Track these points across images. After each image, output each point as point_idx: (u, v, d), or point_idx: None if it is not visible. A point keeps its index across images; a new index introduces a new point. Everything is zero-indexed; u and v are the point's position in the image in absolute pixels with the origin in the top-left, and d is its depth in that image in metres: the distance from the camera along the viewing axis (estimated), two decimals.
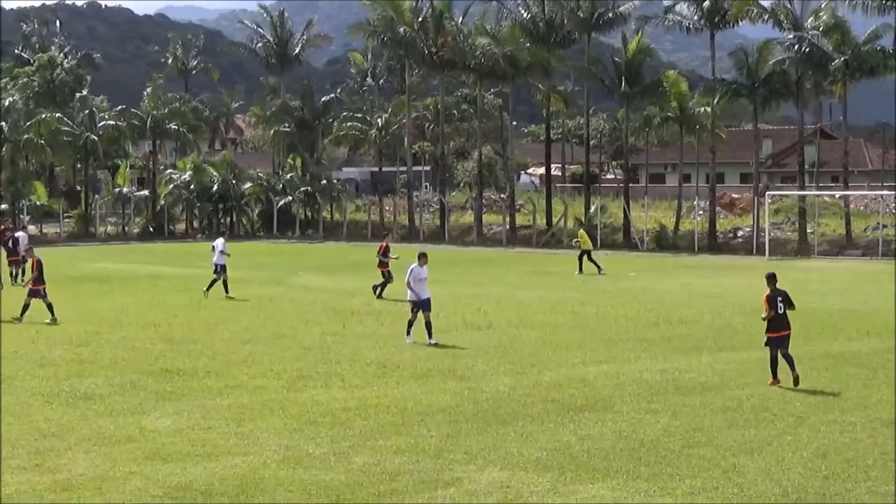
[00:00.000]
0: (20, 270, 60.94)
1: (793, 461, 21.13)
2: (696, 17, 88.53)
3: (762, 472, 20.35)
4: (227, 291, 51.51)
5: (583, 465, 20.90)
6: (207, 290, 51.43)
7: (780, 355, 27.91)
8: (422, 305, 35.93)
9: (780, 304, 27.77)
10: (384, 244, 53.27)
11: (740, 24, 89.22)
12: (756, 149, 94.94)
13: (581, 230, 71.07)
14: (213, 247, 54.24)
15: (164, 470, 20.73)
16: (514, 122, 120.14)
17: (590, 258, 63.41)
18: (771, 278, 28.34)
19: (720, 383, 29.03)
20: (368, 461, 21.33)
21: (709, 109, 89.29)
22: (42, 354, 34.67)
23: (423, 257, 36.80)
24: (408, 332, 36.09)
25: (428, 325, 35.70)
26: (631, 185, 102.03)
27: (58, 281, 60.66)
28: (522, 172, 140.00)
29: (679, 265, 69.61)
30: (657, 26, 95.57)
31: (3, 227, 72.09)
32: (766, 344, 28.13)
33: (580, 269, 62.04)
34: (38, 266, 43.81)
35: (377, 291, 50.30)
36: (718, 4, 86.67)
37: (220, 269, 52.14)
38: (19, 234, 65.60)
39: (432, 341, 35.30)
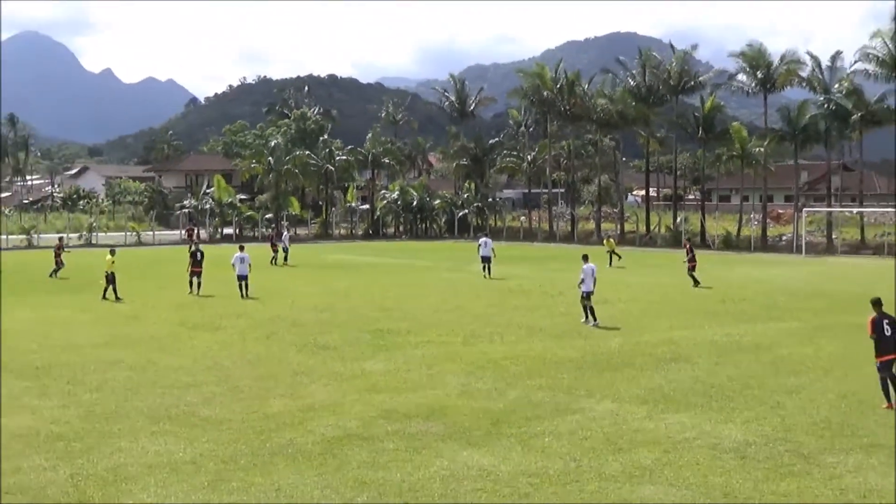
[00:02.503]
0: (275, 258, 64.14)
1: (821, 401, 20.77)
2: (753, 84, 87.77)
3: (798, 408, 20.04)
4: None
5: (670, 400, 20.74)
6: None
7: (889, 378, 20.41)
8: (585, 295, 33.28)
9: (886, 328, 20.29)
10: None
11: (785, 88, 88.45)
12: (796, 178, 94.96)
13: (609, 238, 69.85)
14: (480, 244, 55.03)
15: (378, 399, 20.94)
16: (623, 158, 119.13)
17: (614, 254, 62.91)
18: (877, 303, 20.79)
19: (769, 344, 28.59)
20: (519, 395, 21.37)
21: (762, 149, 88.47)
22: (295, 317, 35.18)
23: (586, 257, 34.31)
24: (585, 317, 33.02)
25: (591, 310, 33.07)
26: (706, 202, 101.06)
27: (307, 267, 61.80)
28: (629, 194, 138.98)
29: (740, 260, 68.50)
30: (725, 90, 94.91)
31: (274, 232, 73.35)
32: (878, 369, 20.48)
33: (610, 263, 61.44)
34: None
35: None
36: (769, 75, 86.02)
37: (485, 261, 53.36)
38: (286, 233, 67.69)
39: (595, 323, 32.47)
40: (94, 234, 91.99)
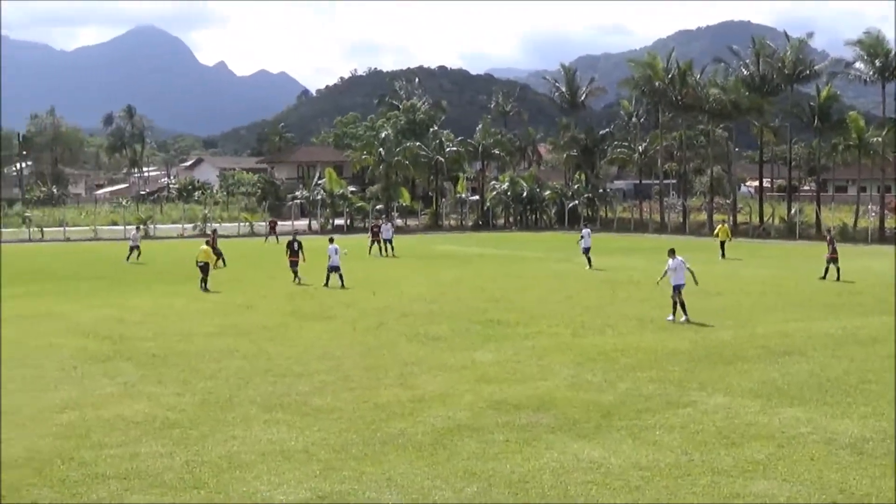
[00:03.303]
0: (379, 247, 64.81)
1: None
2: (870, 73, 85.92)
3: None
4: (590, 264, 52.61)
5: (784, 394, 20.38)
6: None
7: None
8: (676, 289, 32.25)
9: None
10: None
11: None
12: None
13: (722, 224, 68.36)
14: (582, 236, 54.95)
15: (488, 389, 20.94)
16: (737, 149, 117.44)
17: (723, 245, 61.87)
18: None
19: (885, 337, 27.92)
20: (629, 387, 21.20)
21: (880, 139, 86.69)
22: (405, 308, 35.35)
23: (672, 252, 33.06)
24: (673, 314, 31.89)
25: (682, 305, 32.06)
26: (822, 193, 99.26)
27: (417, 257, 62.10)
28: (742, 184, 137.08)
29: (856, 252, 67.01)
30: (842, 79, 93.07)
31: (378, 221, 73.87)
32: None
33: (723, 255, 60.65)
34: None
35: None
36: (888, 63, 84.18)
37: (585, 251, 53.37)
38: (388, 224, 67.95)
39: (686, 318, 31.39)
40: (209, 224, 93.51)
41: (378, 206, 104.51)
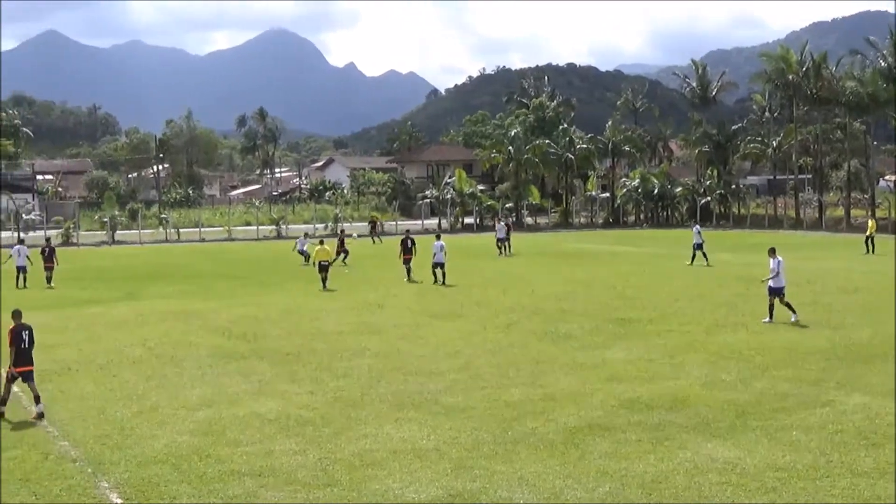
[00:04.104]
0: (498, 247, 63.92)
1: None
2: None
3: None
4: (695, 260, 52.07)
5: None
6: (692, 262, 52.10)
7: None
8: (776, 292, 30.58)
9: None
10: None
11: None
12: None
13: (870, 219, 66.33)
14: (696, 231, 54.51)
15: (619, 388, 20.79)
16: (875, 142, 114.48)
17: (871, 240, 60.42)
18: None
19: None
20: (765, 386, 20.83)
21: None
22: (535, 306, 35.26)
23: (773, 251, 31.03)
24: (770, 316, 30.28)
25: (788, 306, 30.39)
26: None
27: (547, 256, 62.00)
28: (881, 179, 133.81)
29: None
30: None
31: (503, 219, 73.90)
32: None
33: (871, 250, 59.24)
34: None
35: None
36: None
37: (698, 247, 52.70)
38: (500, 224, 67.56)
39: (795, 318, 29.98)
40: (340, 224, 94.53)
41: (508, 205, 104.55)
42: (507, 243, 63.92)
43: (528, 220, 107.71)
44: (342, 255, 55.44)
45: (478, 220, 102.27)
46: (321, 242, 46.24)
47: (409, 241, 47.40)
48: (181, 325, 31.73)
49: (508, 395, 20.20)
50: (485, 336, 28.40)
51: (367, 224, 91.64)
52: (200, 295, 41.50)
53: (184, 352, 26.40)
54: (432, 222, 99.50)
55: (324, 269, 43.78)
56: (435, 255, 44.30)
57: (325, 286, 42.99)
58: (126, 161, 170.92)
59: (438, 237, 46.62)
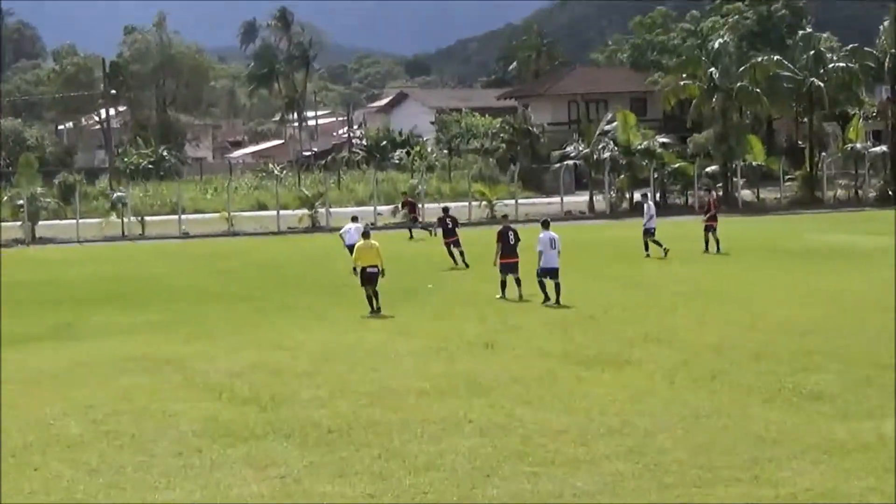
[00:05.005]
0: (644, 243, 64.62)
1: None
2: None
3: None
4: None
5: None
6: None
7: None
8: None
9: None
10: None
11: None
12: None
13: None
14: None
15: None
16: None
17: None
18: None
19: None
20: None
21: None
22: (757, 342, 35.05)
23: None
24: None
25: None
26: None
27: (777, 254, 61.70)
28: None
29: None
30: None
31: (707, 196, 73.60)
32: None
33: None
34: None
35: None
36: None
37: None
38: (648, 203, 67.31)
39: None
40: (415, 201, 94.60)
41: (709, 168, 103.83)
42: (714, 233, 63.59)
43: (746, 192, 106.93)
44: (460, 252, 57.97)
45: (659, 194, 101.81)
46: (366, 235, 46.38)
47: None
48: (149, 381, 31.94)
49: (714, 496, 20.05)
50: (670, 396, 28.25)
51: (400, 208, 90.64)
52: (181, 329, 41.80)
53: (154, 427, 26.53)
54: (577, 199, 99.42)
55: (370, 279, 44.31)
56: (543, 255, 45.33)
57: (374, 308, 43.73)
58: (55, 102, 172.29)
59: (547, 225, 47.27)
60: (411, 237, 79.22)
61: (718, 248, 62.96)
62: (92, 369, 33.97)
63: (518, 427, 25.58)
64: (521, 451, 23.63)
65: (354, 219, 61.13)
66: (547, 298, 44.79)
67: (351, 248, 55.22)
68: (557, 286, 44.65)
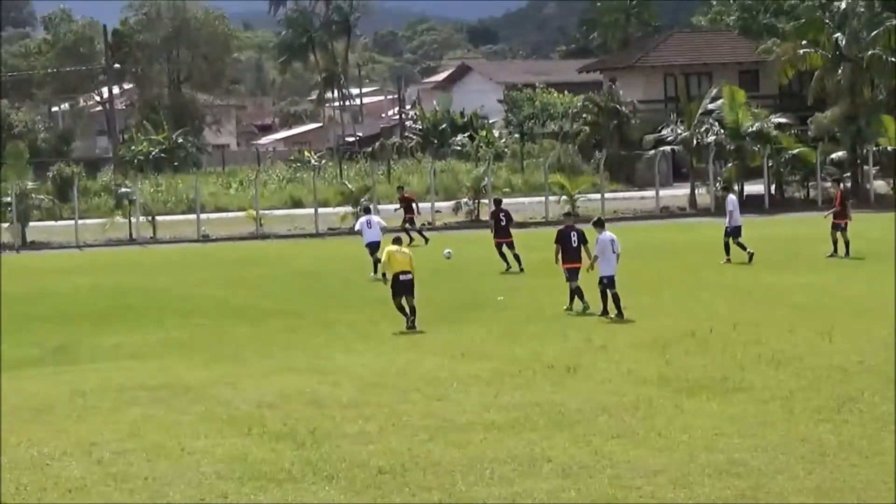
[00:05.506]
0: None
1: None
2: None
3: None
4: None
5: None
6: None
7: None
8: None
9: None
10: None
11: None
12: None
13: None
14: None
15: None
16: None
17: None
18: None
19: None
20: None
21: None
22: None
23: None
24: None
25: None
26: None
27: None
28: None
29: None
30: None
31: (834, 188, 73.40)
32: None
33: None
34: None
35: None
36: None
37: None
38: (731, 197, 66.97)
39: None
40: (481, 199, 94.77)
41: (835, 154, 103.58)
42: (843, 233, 63.13)
43: (879, 183, 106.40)
44: (514, 256, 58.64)
45: (773, 184, 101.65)
46: (396, 241, 46.59)
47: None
48: (163, 413, 32.12)
49: None
50: (788, 429, 28.28)
51: (397, 203, 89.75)
52: (201, 351, 42.03)
53: (169, 467, 26.66)
54: (676, 193, 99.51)
55: (405, 287, 44.79)
56: (602, 261, 45.84)
57: (410, 322, 44.35)
58: (48, 79, 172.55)
59: (601, 225, 47.57)
60: (411, 241, 78.66)
61: (848, 251, 62.64)
62: (96, 399, 34.15)
63: (607, 467, 25.64)
64: (611, 494, 23.70)
65: (368, 210, 61.41)
66: (604, 311, 45.39)
67: (371, 246, 55.71)
68: (616, 297, 45.14)
